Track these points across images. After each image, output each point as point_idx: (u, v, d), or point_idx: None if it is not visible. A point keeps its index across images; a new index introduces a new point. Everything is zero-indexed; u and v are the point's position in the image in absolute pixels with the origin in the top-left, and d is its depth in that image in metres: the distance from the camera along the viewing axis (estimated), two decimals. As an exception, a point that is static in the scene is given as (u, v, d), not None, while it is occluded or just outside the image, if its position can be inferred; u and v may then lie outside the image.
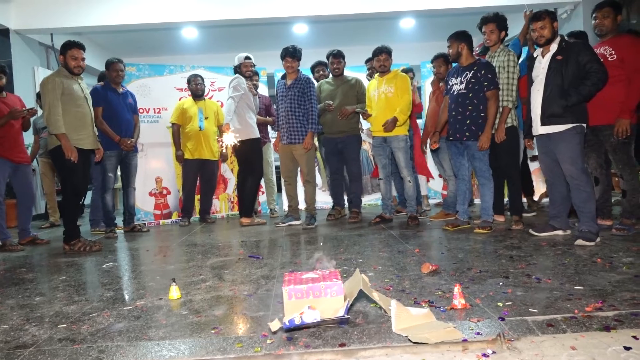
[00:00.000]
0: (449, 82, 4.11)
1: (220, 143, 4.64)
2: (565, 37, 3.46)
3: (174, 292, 2.39)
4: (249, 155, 4.99)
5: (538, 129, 3.41)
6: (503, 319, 1.83)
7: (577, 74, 3.22)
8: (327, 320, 1.76)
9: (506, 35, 4.08)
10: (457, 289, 2.01)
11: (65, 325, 2.05)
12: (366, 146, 6.24)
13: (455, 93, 3.96)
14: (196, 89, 5.44)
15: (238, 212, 5.48)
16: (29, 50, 6.99)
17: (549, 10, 3.44)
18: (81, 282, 2.88)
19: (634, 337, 1.63)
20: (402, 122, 4.47)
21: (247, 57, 5.02)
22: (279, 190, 6.42)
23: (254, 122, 5.02)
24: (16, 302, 2.47)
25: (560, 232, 3.52)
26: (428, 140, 4.94)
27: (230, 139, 4.58)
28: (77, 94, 3.97)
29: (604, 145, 3.61)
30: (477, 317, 1.87)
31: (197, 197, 5.67)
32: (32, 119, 5.42)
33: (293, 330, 1.77)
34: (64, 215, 4.06)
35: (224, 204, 6.07)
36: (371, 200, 6.46)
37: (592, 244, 3.12)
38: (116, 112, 4.73)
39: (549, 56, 3.35)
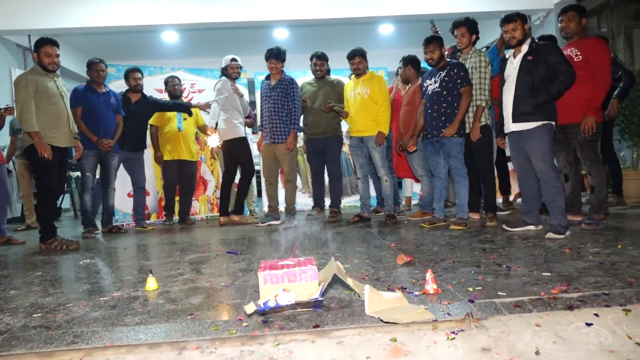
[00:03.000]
0: (424, 84, 4.22)
1: (206, 145, 4.72)
2: (536, 40, 3.58)
3: (151, 284, 2.40)
4: (236, 153, 5.04)
5: (510, 126, 3.51)
6: (472, 302, 1.89)
7: (546, 73, 3.33)
8: (301, 303, 1.79)
9: (477, 38, 4.20)
10: (429, 275, 2.07)
11: (40, 314, 2.05)
12: (346, 148, 6.30)
13: (430, 92, 4.07)
14: (174, 90, 5.47)
15: (218, 214, 5.49)
16: (6, 51, 6.93)
17: (520, 13, 3.56)
18: (57, 277, 2.87)
19: (596, 314, 1.71)
20: (387, 132, 4.59)
21: (233, 59, 5.09)
22: (259, 194, 6.46)
23: (240, 122, 5.06)
24: (-10, 296, 2.45)
25: (532, 227, 3.62)
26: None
27: (214, 141, 4.65)
28: (51, 92, 3.94)
29: (572, 143, 3.74)
30: (448, 301, 1.92)
31: (177, 198, 5.66)
32: (9, 120, 5.38)
33: (268, 313, 1.80)
34: (39, 213, 4.03)
35: (203, 205, 6.06)
36: (351, 202, 6.53)
37: (562, 236, 3.21)
38: (96, 112, 4.71)
39: (520, 57, 3.47)
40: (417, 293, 2.05)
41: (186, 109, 5.39)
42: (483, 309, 1.82)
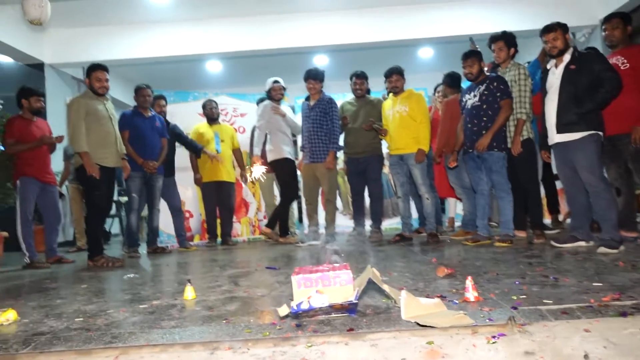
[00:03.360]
0: (463, 99, 4.16)
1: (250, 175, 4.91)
2: (578, 48, 3.48)
3: (189, 293, 2.42)
4: (277, 174, 5.14)
5: (554, 137, 3.40)
6: (516, 308, 1.80)
7: (590, 82, 3.22)
8: (335, 306, 1.75)
9: (516, 52, 4.12)
10: (469, 282, 1.99)
11: (82, 319, 2.10)
12: (386, 170, 6.25)
13: (469, 107, 4.01)
14: (211, 113, 5.63)
15: (260, 236, 5.56)
16: (62, 82, 7.38)
17: (560, 22, 3.48)
18: (101, 289, 2.95)
19: (652, 321, 1.58)
20: (427, 149, 4.54)
21: (275, 81, 5.23)
22: (300, 219, 6.50)
23: (287, 143, 5.14)
24: (37, 304, 2.54)
25: (582, 243, 3.44)
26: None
27: (258, 172, 4.79)
28: (101, 114, 4.16)
29: (623, 155, 3.57)
30: (489, 307, 1.84)
31: (219, 220, 5.75)
32: (63, 146, 5.69)
33: (302, 317, 1.77)
34: (88, 230, 4.18)
35: (245, 227, 6.13)
36: (392, 224, 6.43)
37: (615, 251, 3.04)
38: (142, 135, 4.90)
39: (562, 66, 3.38)
40: (457, 301, 1.97)
41: (197, 150, 5.50)
42: (527, 315, 1.72)
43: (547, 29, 3.43)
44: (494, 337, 1.54)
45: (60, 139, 4.65)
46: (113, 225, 8.17)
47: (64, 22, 6.86)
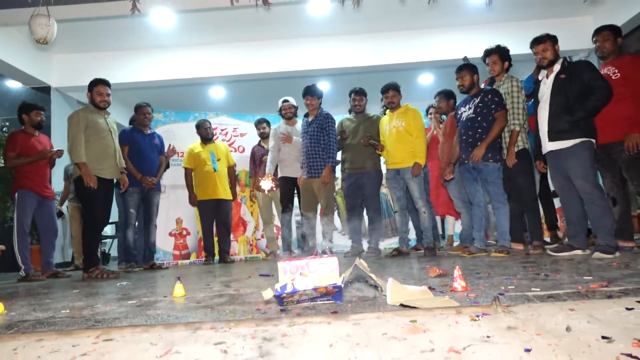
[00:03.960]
0: (458, 112, 4.21)
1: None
2: (568, 59, 3.54)
3: (179, 290, 2.41)
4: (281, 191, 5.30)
5: (547, 146, 3.42)
6: (502, 294, 1.78)
7: (581, 91, 3.27)
8: (320, 289, 1.74)
9: (510, 65, 4.18)
10: (457, 272, 1.98)
11: (68, 311, 2.09)
12: (385, 190, 6.25)
13: (464, 119, 4.05)
14: (206, 133, 5.66)
15: (257, 255, 5.55)
16: (68, 106, 7.50)
17: (550, 34, 3.55)
18: (92, 292, 2.93)
19: (638, 301, 1.56)
20: (423, 163, 4.57)
21: (284, 100, 5.33)
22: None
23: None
24: (27, 302, 2.53)
25: (579, 252, 3.41)
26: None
27: (267, 185, 4.87)
28: (100, 127, 4.23)
29: (617, 163, 3.57)
30: (476, 294, 1.82)
31: (216, 238, 5.73)
32: (64, 166, 5.75)
33: (287, 302, 1.76)
34: (84, 242, 4.18)
35: (242, 246, 6.11)
36: (391, 244, 6.39)
37: (610, 256, 3.01)
38: (141, 151, 4.97)
39: (552, 76, 3.43)
40: (445, 291, 1.96)
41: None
42: (513, 299, 1.70)
43: (537, 41, 3.50)
44: (477, 316, 1.52)
45: (60, 152, 4.71)
46: (112, 247, 8.14)
47: (71, 46, 7.04)
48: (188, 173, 5.61)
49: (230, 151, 5.92)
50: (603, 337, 1.29)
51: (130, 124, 5.52)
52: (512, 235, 3.99)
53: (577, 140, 3.25)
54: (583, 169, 3.22)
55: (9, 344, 1.57)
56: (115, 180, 4.45)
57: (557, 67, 3.43)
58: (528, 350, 1.24)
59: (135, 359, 1.40)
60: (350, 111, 5.54)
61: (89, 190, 4.02)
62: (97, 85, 4.28)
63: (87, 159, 4.05)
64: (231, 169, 5.83)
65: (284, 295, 1.71)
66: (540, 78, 3.61)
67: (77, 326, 1.70)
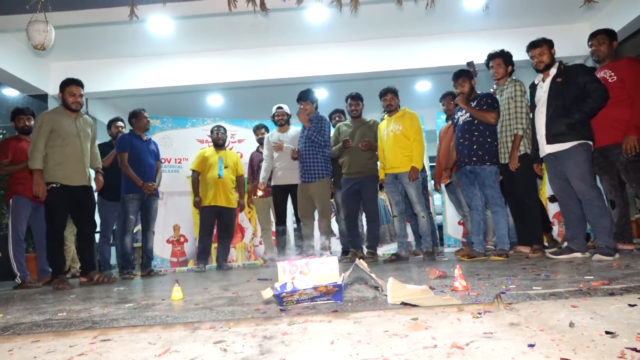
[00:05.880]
0: (455, 116, 4.22)
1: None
2: (564, 62, 3.55)
3: (177, 293, 2.39)
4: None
5: (544, 149, 3.42)
6: (504, 293, 1.77)
7: (577, 94, 3.28)
8: (319, 287, 1.72)
9: (513, 70, 4.18)
10: (457, 271, 1.97)
11: (65, 314, 2.07)
12: (383, 195, 6.24)
13: (461, 123, 4.06)
14: (217, 139, 5.62)
15: (255, 261, 5.53)
16: (64, 113, 7.47)
17: (546, 38, 3.57)
18: (89, 296, 2.90)
19: (640, 298, 1.56)
20: (420, 167, 4.55)
21: (278, 107, 5.33)
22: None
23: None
24: (23, 307, 2.51)
25: (578, 255, 3.39)
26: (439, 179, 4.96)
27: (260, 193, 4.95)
28: (66, 130, 3.96)
29: (615, 166, 3.58)
30: (477, 292, 1.81)
31: (214, 245, 5.69)
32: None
33: (285, 298, 1.74)
34: (47, 249, 3.99)
35: (240, 253, 6.07)
36: (390, 250, 6.36)
37: (610, 258, 3.00)
38: (140, 157, 4.94)
39: (549, 80, 3.44)
40: (445, 290, 1.94)
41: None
42: (515, 297, 1.69)
43: (533, 45, 3.52)
44: (479, 313, 1.51)
45: None
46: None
47: (68, 54, 7.02)
48: (195, 176, 5.57)
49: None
50: (607, 332, 1.28)
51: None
52: (518, 239, 3.99)
53: (575, 143, 3.25)
54: (581, 171, 3.22)
55: (4, 345, 1.54)
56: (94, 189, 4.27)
57: (553, 70, 3.44)
58: (532, 346, 1.23)
59: (133, 358, 1.38)
60: (343, 113, 5.59)
61: (48, 198, 3.84)
62: (70, 85, 4.03)
63: (49, 165, 3.84)
64: (240, 179, 5.79)
65: (284, 294, 1.69)
66: (536, 82, 3.62)
67: (74, 327, 1.68)
